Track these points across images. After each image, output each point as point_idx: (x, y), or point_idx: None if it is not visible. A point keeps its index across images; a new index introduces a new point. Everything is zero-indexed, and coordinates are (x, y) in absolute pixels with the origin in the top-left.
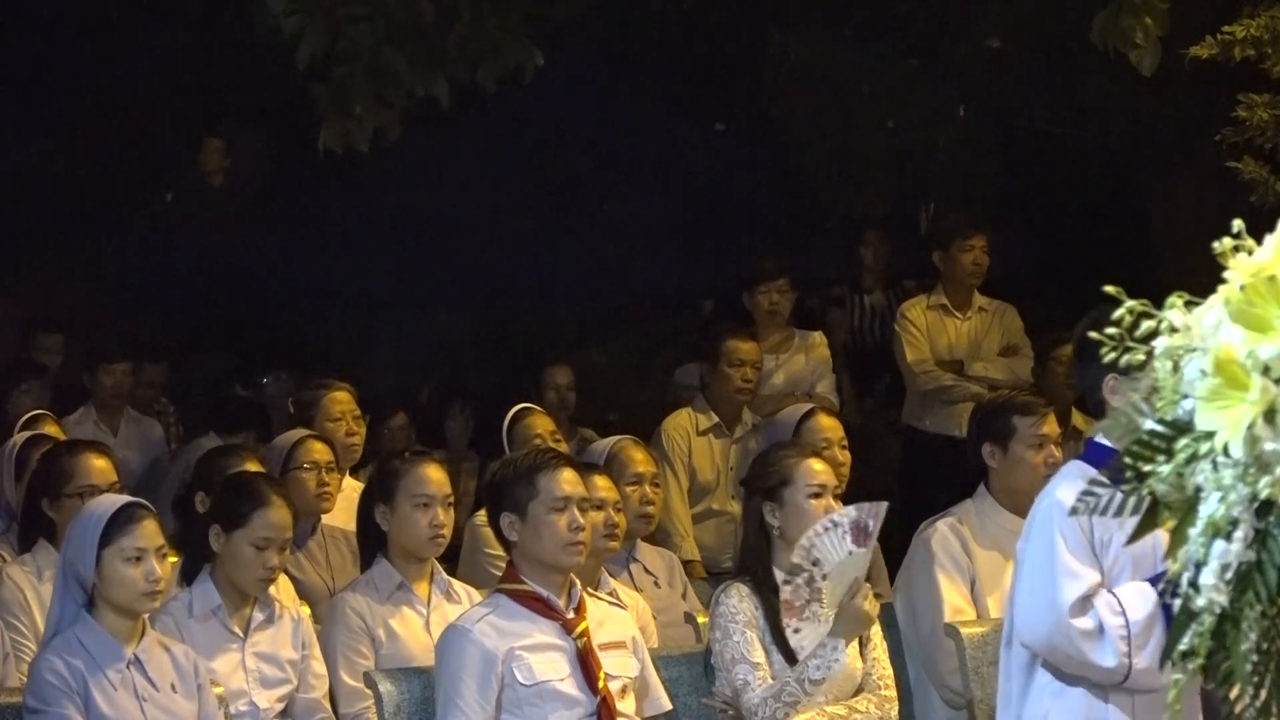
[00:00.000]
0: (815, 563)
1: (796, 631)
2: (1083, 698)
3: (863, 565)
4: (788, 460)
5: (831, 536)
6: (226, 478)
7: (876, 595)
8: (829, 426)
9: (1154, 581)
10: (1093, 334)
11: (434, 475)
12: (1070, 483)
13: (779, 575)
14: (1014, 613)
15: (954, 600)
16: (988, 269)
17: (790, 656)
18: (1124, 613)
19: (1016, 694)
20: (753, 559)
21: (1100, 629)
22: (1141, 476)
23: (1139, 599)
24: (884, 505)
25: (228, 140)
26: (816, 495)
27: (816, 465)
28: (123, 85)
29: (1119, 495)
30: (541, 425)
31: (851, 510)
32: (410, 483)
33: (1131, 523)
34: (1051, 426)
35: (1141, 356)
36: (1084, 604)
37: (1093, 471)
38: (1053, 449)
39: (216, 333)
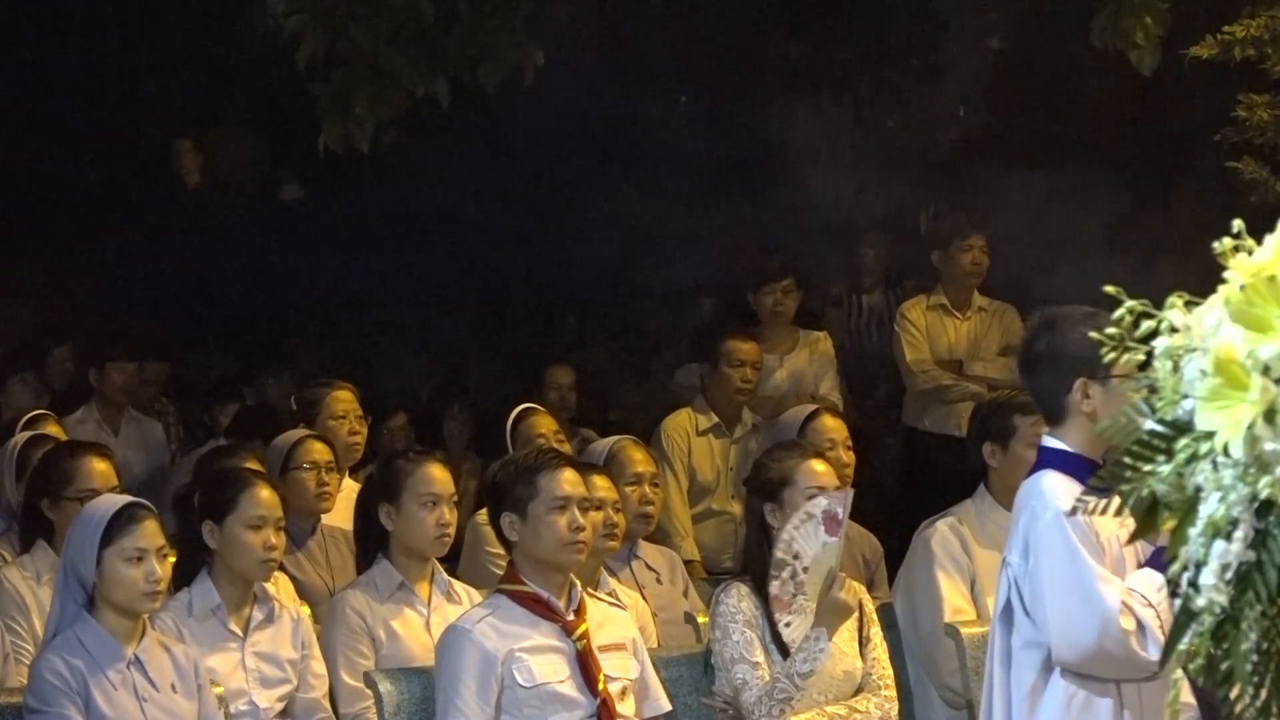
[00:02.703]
0: (796, 556)
1: (787, 625)
2: (1105, 705)
3: (836, 554)
4: (788, 461)
5: (807, 528)
6: (207, 474)
7: (874, 596)
8: (833, 427)
9: (1153, 566)
10: (1093, 334)
11: (439, 475)
12: (1062, 489)
13: None
14: (1037, 629)
15: (954, 600)
16: (987, 269)
17: (787, 654)
18: (1151, 604)
19: (1023, 706)
20: (753, 559)
21: (1141, 625)
22: (1140, 476)
23: (1153, 587)
24: (850, 492)
25: (198, 140)
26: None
27: (818, 466)
28: (121, 85)
29: (1119, 496)
30: (545, 425)
31: (822, 500)
32: (416, 482)
33: (1118, 521)
34: None
35: (1141, 357)
36: (1122, 605)
37: (1066, 477)
38: None
39: (217, 333)
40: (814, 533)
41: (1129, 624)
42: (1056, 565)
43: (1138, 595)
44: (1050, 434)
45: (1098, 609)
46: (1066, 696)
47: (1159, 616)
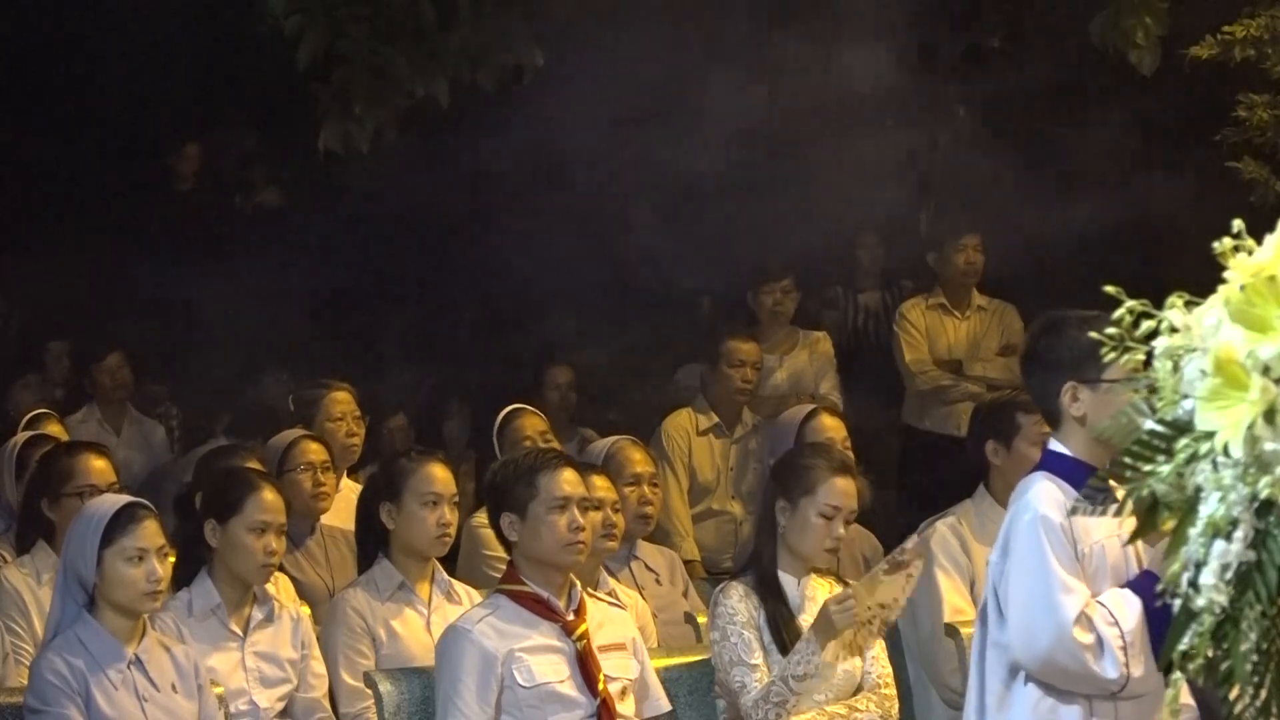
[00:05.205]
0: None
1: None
2: (1072, 715)
3: (881, 590)
4: (816, 471)
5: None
6: (212, 473)
7: None
8: (833, 426)
9: (1132, 587)
10: (1092, 334)
11: (440, 474)
12: (1046, 494)
13: (781, 577)
14: (1005, 630)
15: (954, 600)
16: (984, 268)
17: (787, 652)
18: (1117, 623)
19: (993, 705)
20: (760, 551)
21: (1100, 642)
22: (1137, 478)
23: (1126, 607)
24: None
25: (204, 145)
26: (827, 516)
27: (840, 484)
28: (122, 86)
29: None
30: (532, 426)
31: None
32: (417, 481)
33: (1107, 530)
34: None
35: (1141, 357)
36: (1082, 618)
37: (1060, 481)
38: None
39: (218, 333)
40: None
41: (1085, 637)
42: (1024, 568)
43: (1104, 611)
44: (1053, 437)
45: (1054, 617)
46: (1034, 699)
47: (1122, 637)
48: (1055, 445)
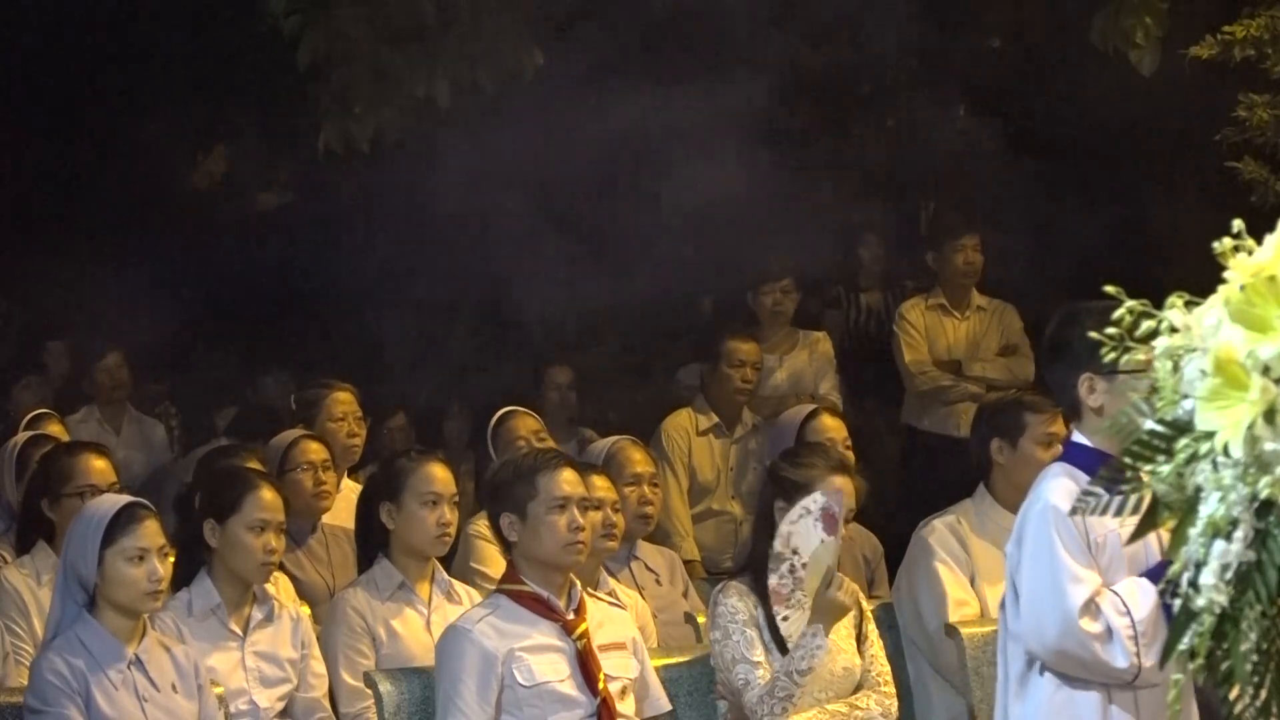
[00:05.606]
0: (795, 551)
1: (784, 619)
2: (1089, 703)
3: (833, 553)
4: (813, 470)
5: (805, 523)
6: (212, 473)
7: (875, 596)
8: (833, 427)
9: (1150, 576)
10: (1093, 334)
11: (440, 474)
12: (1060, 485)
13: None
14: (1019, 620)
15: (956, 593)
16: (984, 268)
17: (786, 651)
18: (1129, 612)
19: (1012, 695)
20: (758, 551)
21: (1109, 631)
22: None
23: (1140, 596)
24: (843, 492)
25: (227, 145)
26: None
27: (838, 483)
28: (122, 85)
29: (1118, 496)
30: (525, 426)
31: (819, 497)
32: (417, 481)
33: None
34: (1060, 426)
35: (1141, 356)
36: (1091, 606)
37: (1078, 472)
38: (1060, 449)
39: (218, 333)
40: (811, 529)
41: (1093, 626)
42: (1034, 558)
43: (1115, 600)
44: (1075, 428)
45: (1061, 606)
46: (1051, 688)
47: (1133, 626)
48: (1077, 436)
